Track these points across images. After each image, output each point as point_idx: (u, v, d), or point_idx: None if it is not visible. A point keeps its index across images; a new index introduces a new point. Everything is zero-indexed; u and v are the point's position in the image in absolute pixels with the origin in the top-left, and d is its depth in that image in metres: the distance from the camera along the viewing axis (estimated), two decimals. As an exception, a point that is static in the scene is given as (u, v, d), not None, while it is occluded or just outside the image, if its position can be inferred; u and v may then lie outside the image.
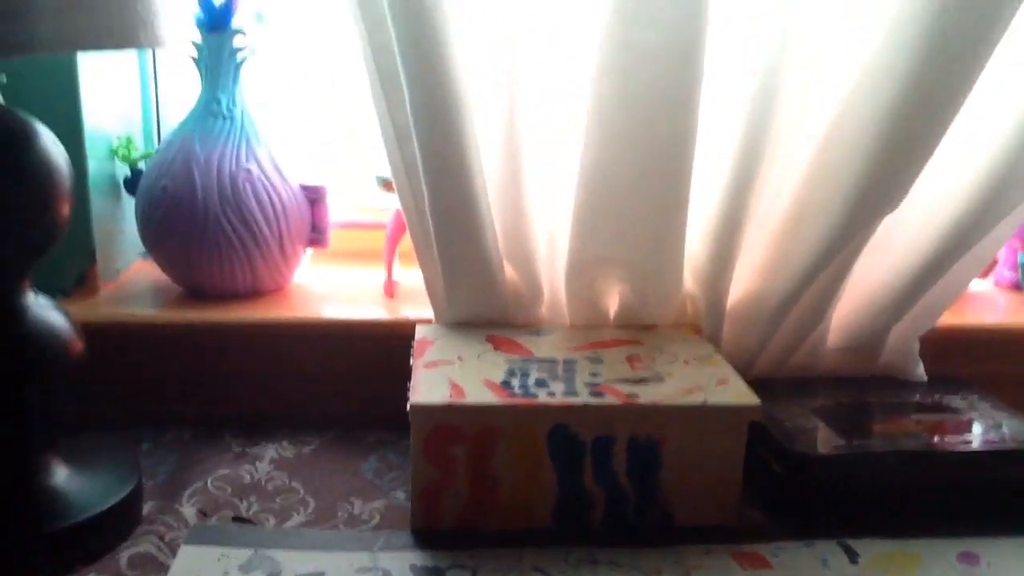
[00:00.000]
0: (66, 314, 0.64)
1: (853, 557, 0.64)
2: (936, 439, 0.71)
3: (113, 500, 0.63)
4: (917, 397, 0.79)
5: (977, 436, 0.72)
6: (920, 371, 0.82)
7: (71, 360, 0.63)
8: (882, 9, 0.67)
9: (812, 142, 0.74)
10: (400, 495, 0.71)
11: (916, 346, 0.82)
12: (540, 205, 0.77)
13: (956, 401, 0.78)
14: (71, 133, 0.81)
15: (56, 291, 0.84)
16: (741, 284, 0.80)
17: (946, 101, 0.68)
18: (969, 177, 0.74)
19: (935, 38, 0.65)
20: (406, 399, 0.65)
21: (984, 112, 0.72)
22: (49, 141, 0.60)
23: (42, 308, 0.62)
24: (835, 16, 0.70)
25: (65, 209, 0.61)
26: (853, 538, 0.66)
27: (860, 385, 0.81)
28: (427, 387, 0.65)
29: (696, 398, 0.65)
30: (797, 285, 0.76)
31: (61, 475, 0.64)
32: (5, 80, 0.62)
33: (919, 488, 0.69)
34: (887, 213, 0.73)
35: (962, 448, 0.70)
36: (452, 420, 0.64)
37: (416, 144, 0.70)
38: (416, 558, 0.62)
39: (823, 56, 0.72)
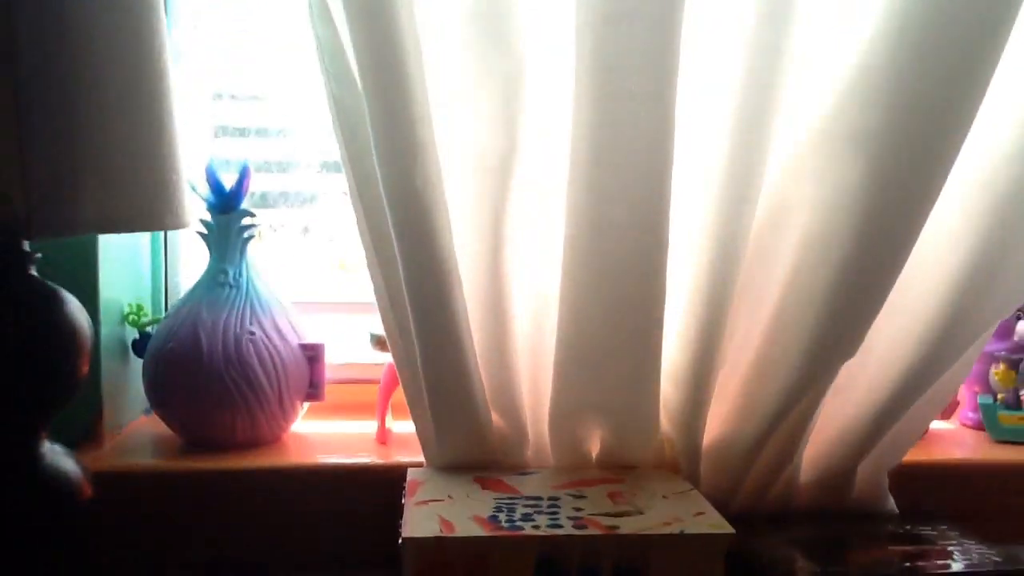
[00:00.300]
0: (78, 462, 0.68)
1: None
2: (910, 565, 0.73)
3: None
4: (890, 528, 0.82)
5: (951, 563, 0.75)
6: (891, 504, 0.86)
7: (81, 503, 0.66)
8: (823, 177, 0.76)
9: (771, 299, 0.81)
10: (393, 634, 0.73)
11: (885, 481, 0.86)
12: (524, 358, 0.83)
13: (927, 532, 0.81)
14: (88, 301, 0.86)
15: (65, 443, 0.87)
16: (715, 426, 0.84)
17: (891, 257, 0.75)
18: (920, 322, 0.81)
19: (876, 199, 0.73)
20: (399, 538, 0.68)
21: (930, 260, 0.79)
22: (75, 308, 0.68)
23: (56, 455, 0.67)
24: (786, 184, 0.79)
25: (85, 367, 0.67)
26: (834, 664, 0.68)
27: (836, 518, 0.84)
28: (418, 522, 0.69)
29: (673, 528, 0.69)
30: (766, 427, 0.80)
31: None
32: (40, 256, 0.69)
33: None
34: (844, 360, 0.79)
35: (938, 572, 0.73)
36: (442, 553, 0.67)
37: (409, 310, 0.76)
38: None
39: (777, 221, 0.80)
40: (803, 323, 0.77)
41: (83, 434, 0.89)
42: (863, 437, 0.83)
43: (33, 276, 0.67)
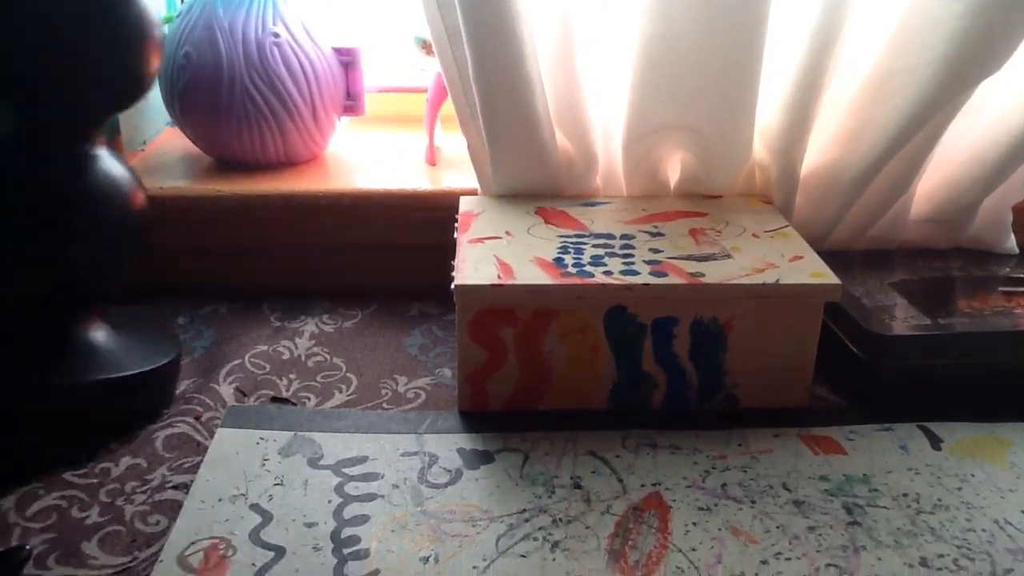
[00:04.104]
0: (130, 169, 0.61)
1: (936, 442, 0.59)
2: (1026, 315, 0.65)
3: (154, 364, 0.61)
4: (1007, 270, 0.72)
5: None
6: (1011, 243, 0.76)
7: (135, 209, 0.60)
8: None
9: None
10: (446, 372, 0.68)
11: (1009, 217, 0.75)
12: (596, 66, 0.70)
13: (1049, 276, 0.71)
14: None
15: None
16: (817, 152, 0.73)
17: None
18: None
19: None
20: (449, 272, 0.60)
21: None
22: None
23: (111, 160, 0.60)
24: None
25: (155, 61, 0.57)
26: (936, 422, 0.61)
27: (943, 257, 0.75)
28: (473, 266, 0.60)
29: (768, 277, 0.60)
30: (880, 154, 0.69)
31: (101, 334, 0.61)
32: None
33: (1010, 370, 0.64)
34: (985, 77, 0.65)
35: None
36: (500, 301, 0.59)
37: (459, 6, 0.63)
38: (464, 441, 0.59)
39: None
40: (943, 26, 0.63)
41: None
42: (992, 169, 0.71)
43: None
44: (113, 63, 0.56)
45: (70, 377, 0.58)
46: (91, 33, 0.54)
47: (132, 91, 0.58)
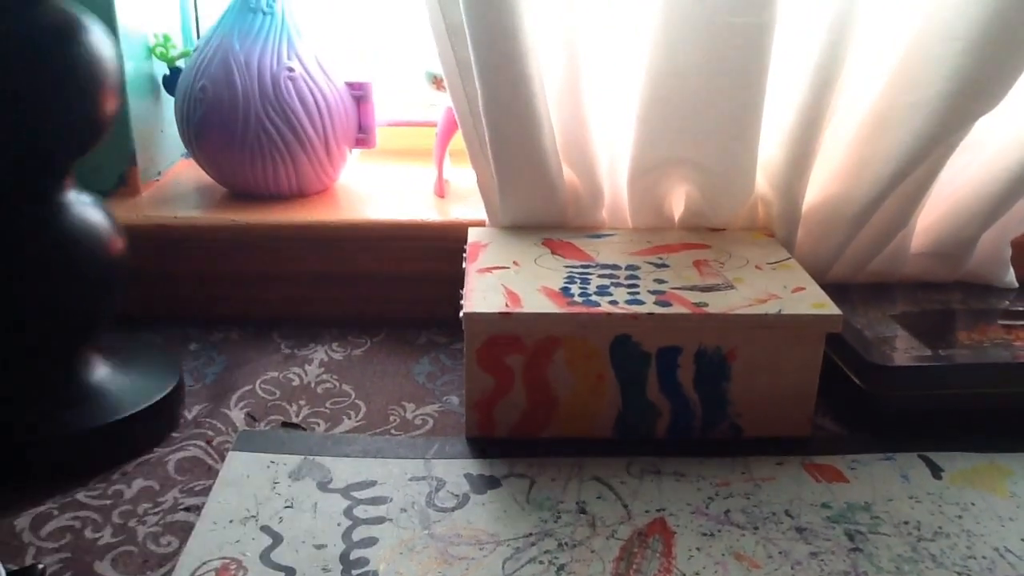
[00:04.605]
0: (108, 213, 0.61)
1: (936, 472, 0.60)
2: (1026, 348, 0.66)
3: (152, 399, 0.62)
4: (1006, 304, 0.74)
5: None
6: (1010, 277, 0.77)
7: (111, 258, 0.60)
8: None
9: (903, 35, 0.67)
10: (454, 399, 0.69)
11: (1008, 251, 0.76)
12: (602, 101, 0.72)
13: (1049, 310, 0.72)
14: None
15: (97, 193, 0.81)
16: (819, 187, 0.74)
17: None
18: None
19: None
20: (458, 301, 0.61)
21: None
22: (99, 35, 0.57)
23: (83, 206, 0.60)
24: None
25: (111, 105, 0.58)
26: (936, 451, 0.62)
27: (943, 290, 0.76)
28: (481, 295, 0.62)
29: (770, 307, 0.61)
30: (881, 189, 0.70)
31: (102, 372, 0.62)
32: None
33: (1010, 401, 0.64)
34: (984, 113, 0.67)
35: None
36: (508, 330, 0.60)
37: (470, 43, 0.65)
38: (471, 466, 0.60)
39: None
40: (941, 65, 0.65)
41: (117, 182, 0.82)
42: (991, 203, 0.73)
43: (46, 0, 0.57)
44: (67, 110, 0.56)
45: (71, 427, 0.59)
46: (41, 80, 0.54)
47: (90, 137, 0.58)
